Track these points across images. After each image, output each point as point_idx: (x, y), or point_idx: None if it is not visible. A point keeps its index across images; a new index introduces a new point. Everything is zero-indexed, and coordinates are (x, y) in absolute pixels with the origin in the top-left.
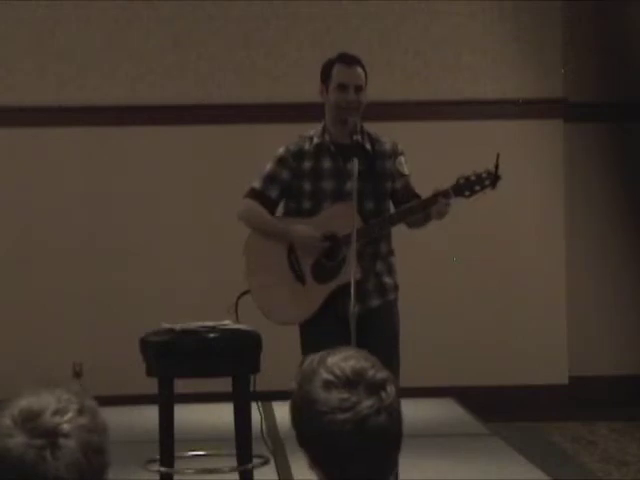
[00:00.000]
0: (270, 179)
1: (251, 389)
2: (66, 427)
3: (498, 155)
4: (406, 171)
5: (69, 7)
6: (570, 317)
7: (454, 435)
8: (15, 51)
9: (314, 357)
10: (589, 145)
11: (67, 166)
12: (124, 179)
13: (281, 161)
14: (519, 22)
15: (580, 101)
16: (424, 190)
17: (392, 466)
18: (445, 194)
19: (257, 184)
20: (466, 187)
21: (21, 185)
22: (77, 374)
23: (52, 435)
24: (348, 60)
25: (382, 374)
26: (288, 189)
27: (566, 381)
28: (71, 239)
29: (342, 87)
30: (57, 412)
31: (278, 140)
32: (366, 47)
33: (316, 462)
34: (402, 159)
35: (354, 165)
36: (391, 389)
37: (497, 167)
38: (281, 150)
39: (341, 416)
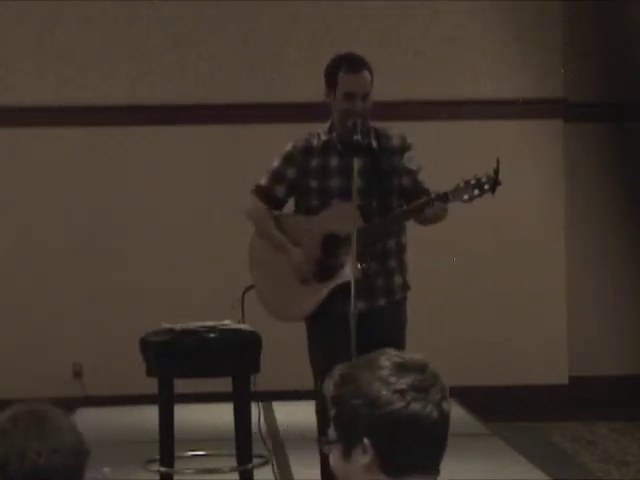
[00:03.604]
0: (276, 177)
1: (251, 389)
2: None
3: (498, 160)
4: (414, 166)
5: (69, 7)
6: (570, 317)
7: (454, 435)
8: (15, 51)
9: (353, 362)
10: (589, 145)
11: (67, 166)
12: (124, 179)
13: (288, 158)
14: (519, 22)
15: (580, 101)
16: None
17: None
18: (443, 198)
19: (264, 181)
20: (465, 191)
21: (21, 185)
22: (77, 374)
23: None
24: (354, 67)
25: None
26: (295, 187)
27: (566, 381)
28: (71, 239)
29: (349, 96)
30: None
31: (278, 140)
32: (366, 47)
33: (375, 447)
34: (410, 154)
35: (354, 166)
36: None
37: (497, 172)
38: (289, 146)
39: (417, 402)
